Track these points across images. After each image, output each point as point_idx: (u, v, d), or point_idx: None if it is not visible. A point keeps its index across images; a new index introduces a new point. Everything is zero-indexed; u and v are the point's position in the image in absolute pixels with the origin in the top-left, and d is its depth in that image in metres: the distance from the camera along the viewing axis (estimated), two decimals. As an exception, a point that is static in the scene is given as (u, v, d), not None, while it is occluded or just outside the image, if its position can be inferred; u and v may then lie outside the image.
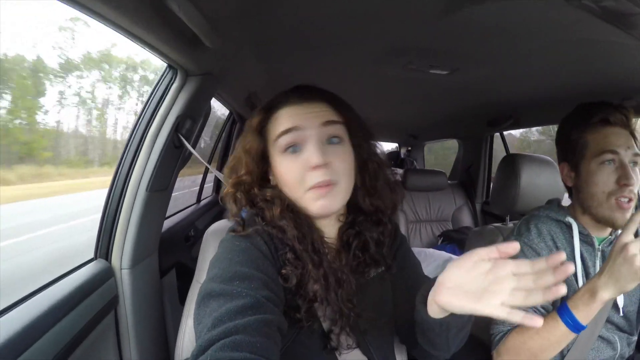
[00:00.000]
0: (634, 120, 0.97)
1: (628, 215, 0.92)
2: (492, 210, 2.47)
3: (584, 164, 0.97)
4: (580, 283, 0.96)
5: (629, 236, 0.78)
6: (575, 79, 1.33)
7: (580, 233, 0.99)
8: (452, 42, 1.10)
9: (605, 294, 0.78)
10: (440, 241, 2.61)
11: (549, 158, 1.40)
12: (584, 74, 1.25)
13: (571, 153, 1.00)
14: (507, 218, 1.45)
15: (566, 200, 1.11)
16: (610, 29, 0.81)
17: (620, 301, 0.99)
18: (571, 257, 0.98)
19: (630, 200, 0.92)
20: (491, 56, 1.20)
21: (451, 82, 1.56)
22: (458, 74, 1.41)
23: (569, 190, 1.06)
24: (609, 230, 1.01)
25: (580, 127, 0.98)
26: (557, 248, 0.98)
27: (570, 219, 1.00)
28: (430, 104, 2.17)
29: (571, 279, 0.96)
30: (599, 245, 0.99)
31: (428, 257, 2.12)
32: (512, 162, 1.37)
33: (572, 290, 0.93)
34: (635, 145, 0.93)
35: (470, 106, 2.07)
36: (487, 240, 1.31)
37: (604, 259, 0.98)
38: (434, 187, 2.76)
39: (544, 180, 1.36)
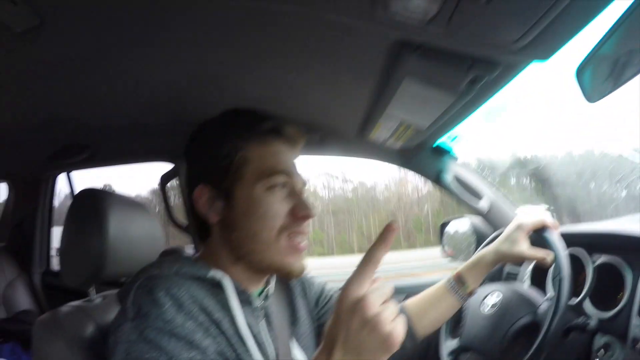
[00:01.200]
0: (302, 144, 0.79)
1: (304, 260, 0.72)
2: (65, 282, 1.85)
3: (242, 188, 0.70)
4: None
5: (360, 286, 0.50)
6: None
7: (236, 291, 0.69)
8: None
9: None
10: None
11: (138, 200, 1.01)
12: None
13: (220, 172, 0.71)
14: (93, 291, 0.93)
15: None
16: None
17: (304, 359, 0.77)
18: (233, 330, 0.66)
19: (305, 234, 0.71)
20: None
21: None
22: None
23: (202, 231, 0.75)
24: (264, 279, 0.77)
25: (239, 136, 0.72)
26: (214, 322, 0.63)
27: (217, 273, 0.68)
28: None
29: None
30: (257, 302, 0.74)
31: None
32: (93, 204, 0.87)
33: None
34: None
35: (25, 127, 1.38)
36: (70, 330, 0.79)
37: (268, 319, 0.75)
38: None
39: (139, 229, 0.94)
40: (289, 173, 0.71)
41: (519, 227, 0.95)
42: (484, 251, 0.98)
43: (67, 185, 2.11)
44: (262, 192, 0.69)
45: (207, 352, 0.58)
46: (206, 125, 0.76)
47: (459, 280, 0.97)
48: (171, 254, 0.75)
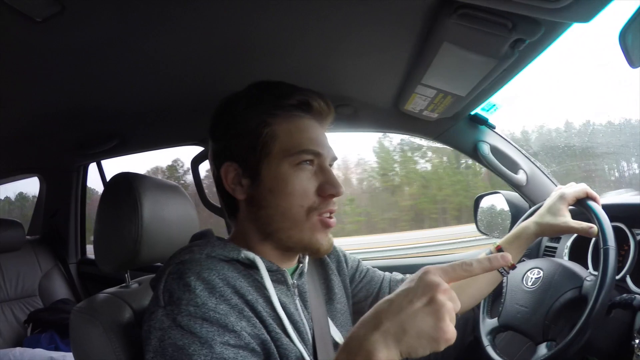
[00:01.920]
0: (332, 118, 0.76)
1: (331, 236, 0.71)
2: (100, 268, 1.92)
3: (269, 165, 0.68)
4: (297, 341, 0.65)
5: (444, 277, 0.48)
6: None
7: (269, 271, 0.68)
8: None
9: (385, 354, 0.45)
10: (29, 331, 1.86)
11: (173, 183, 1.00)
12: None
13: (247, 148, 0.69)
14: (128, 277, 0.92)
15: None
16: None
17: (339, 337, 0.76)
18: (269, 310, 0.65)
19: (333, 214, 0.69)
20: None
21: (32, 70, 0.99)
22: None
23: (231, 209, 0.74)
24: (297, 257, 0.77)
25: (265, 110, 0.69)
26: (248, 303, 0.62)
27: (249, 254, 0.67)
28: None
29: (284, 343, 0.63)
30: (291, 281, 0.73)
31: None
32: (127, 189, 0.86)
33: (295, 356, 0.63)
34: None
35: (53, 118, 1.41)
36: (107, 316, 0.79)
37: (302, 298, 0.74)
38: (6, 247, 1.96)
39: (174, 212, 0.93)
40: (318, 149, 0.69)
41: (561, 198, 0.91)
42: (525, 223, 0.95)
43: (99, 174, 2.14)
44: (290, 169, 0.67)
45: (242, 335, 0.57)
46: (231, 100, 0.73)
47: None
48: (201, 238, 0.73)
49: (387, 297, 0.49)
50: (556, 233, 0.94)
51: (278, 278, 0.70)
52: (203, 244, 0.67)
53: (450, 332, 0.45)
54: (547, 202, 0.94)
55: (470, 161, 1.51)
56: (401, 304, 0.46)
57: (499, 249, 0.93)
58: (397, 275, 0.97)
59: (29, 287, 2.02)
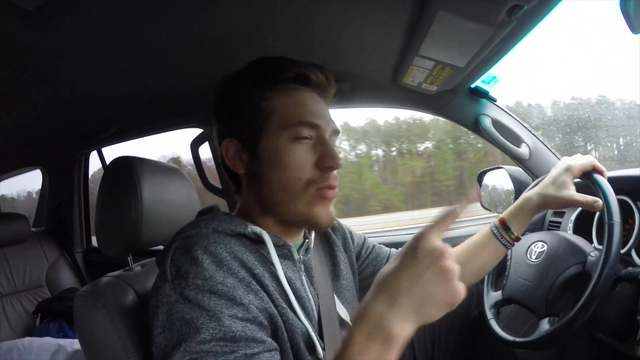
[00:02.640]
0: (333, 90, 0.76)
1: (332, 210, 0.70)
2: (103, 253, 1.96)
3: (268, 139, 0.68)
4: (302, 317, 0.65)
5: (438, 237, 0.49)
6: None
7: (275, 246, 0.68)
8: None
9: (403, 328, 0.46)
10: (38, 320, 1.87)
11: (173, 165, 0.99)
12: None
13: (246, 124, 0.70)
14: (130, 260, 0.93)
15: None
16: None
17: (345, 314, 0.76)
18: (275, 284, 0.65)
19: (333, 187, 0.69)
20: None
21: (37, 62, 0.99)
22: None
23: (236, 185, 0.76)
24: (302, 233, 0.77)
25: (263, 85, 0.69)
26: (255, 277, 0.62)
27: (256, 229, 0.67)
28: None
29: (290, 318, 0.64)
30: (297, 256, 0.73)
31: (26, 352, 1.47)
32: (126, 172, 0.85)
33: (300, 331, 0.64)
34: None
35: (52, 110, 1.41)
36: (110, 299, 0.78)
37: (308, 273, 0.75)
38: (12, 240, 1.96)
39: (174, 194, 0.92)
40: (316, 121, 0.68)
41: (567, 170, 0.89)
42: (529, 194, 0.93)
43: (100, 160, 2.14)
44: (287, 142, 0.67)
45: (250, 309, 0.57)
46: (232, 77, 0.73)
47: (503, 226, 0.93)
48: (207, 213, 0.73)
49: (388, 270, 0.49)
50: (560, 206, 0.92)
51: (284, 253, 0.70)
52: (210, 219, 0.68)
53: (461, 291, 0.46)
54: (552, 174, 0.92)
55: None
56: (411, 278, 0.47)
57: (502, 221, 0.93)
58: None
59: (36, 278, 2.03)
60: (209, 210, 0.74)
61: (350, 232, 0.93)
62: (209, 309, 0.54)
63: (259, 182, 0.69)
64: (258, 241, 0.68)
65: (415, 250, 0.48)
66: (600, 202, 0.82)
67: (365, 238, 0.96)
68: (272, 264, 0.66)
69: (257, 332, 0.56)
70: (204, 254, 0.58)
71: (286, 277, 0.66)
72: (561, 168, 0.90)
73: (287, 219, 0.70)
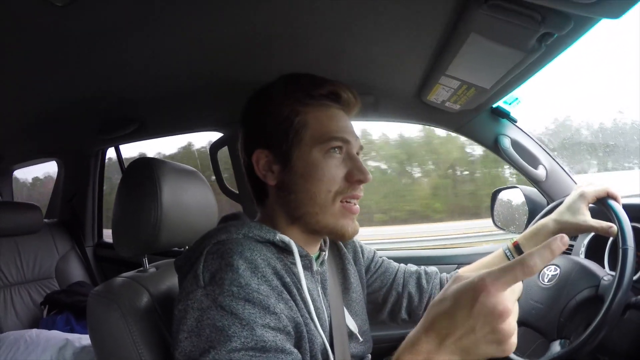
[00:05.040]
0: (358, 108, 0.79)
1: (356, 223, 0.73)
2: (119, 253, 1.96)
3: (301, 152, 0.71)
4: (319, 328, 0.66)
5: (505, 288, 0.43)
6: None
7: (299, 255, 0.70)
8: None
9: None
10: (45, 312, 1.85)
11: (192, 168, 1.00)
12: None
13: (279, 136, 0.72)
14: (145, 261, 0.92)
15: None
16: None
17: (354, 326, 0.78)
18: (298, 295, 0.66)
19: (357, 198, 0.73)
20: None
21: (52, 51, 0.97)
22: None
23: (260, 194, 0.77)
24: (319, 245, 0.79)
25: (298, 100, 0.72)
26: (285, 285, 0.64)
27: (284, 237, 0.69)
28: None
29: (312, 329, 0.65)
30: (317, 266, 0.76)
31: (33, 345, 1.46)
32: (147, 174, 0.86)
33: (318, 342, 0.65)
34: None
35: (73, 103, 1.41)
36: (125, 300, 0.79)
37: (323, 285, 0.77)
38: (24, 229, 1.97)
39: (193, 197, 0.93)
40: (347, 137, 0.72)
41: (581, 196, 0.90)
42: (544, 221, 0.94)
43: (117, 158, 2.16)
44: (320, 155, 0.70)
45: (281, 318, 0.58)
46: (265, 89, 0.76)
47: (516, 250, 0.94)
48: (232, 219, 0.74)
49: (443, 308, 0.45)
50: (575, 232, 0.93)
51: (306, 264, 0.71)
52: (239, 225, 0.69)
53: (513, 348, 0.44)
54: (567, 200, 0.92)
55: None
56: (464, 328, 0.44)
57: (516, 245, 0.93)
58: (411, 267, 0.98)
59: (46, 269, 2.03)
60: (235, 216, 0.75)
61: (361, 246, 0.95)
62: (243, 318, 0.54)
63: (289, 193, 0.71)
64: (283, 250, 0.69)
65: (473, 302, 0.43)
66: (614, 227, 0.83)
67: (375, 252, 0.98)
68: (295, 274, 0.67)
69: (286, 342, 0.57)
70: (239, 260, 0.59)
71: (307, 287, 0.67)
72: (576, 195, 0.92)
73: (315, 228, 0.71)
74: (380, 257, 0.98)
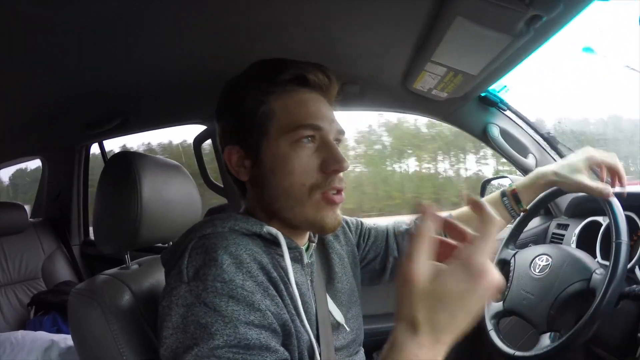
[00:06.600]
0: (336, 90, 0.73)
1: (339, 213, 0.67)
2: (100, 249, 1.94)
3: (268, 144, 0.66)
4: (306, 324, 0.64)
5: (484, 253, 0.41)
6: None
7: (288, 248, 0.66)
8: None
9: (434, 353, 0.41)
10: (32, 313, 1.84)
11: (175, 162, 0.97)
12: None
13: (245, 130, 0.68)
14: (127, 258, 0.90)
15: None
16: None
17: (340, 317, 0.76)
18: (286, 288, 0.64)
19: (340, 191, 0.66)
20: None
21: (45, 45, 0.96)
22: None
23: (241, 190, 0.74)
24: (307, 236, 0.74)
25: (261, 88, 0.67)
26: (272, 280, 0.61)
27: (272, 229, 0.66)
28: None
29: (298, 326, 0.62)
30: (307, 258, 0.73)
31: (18, 346, 1.46)
32: (126, 168, 0.83)
33: (304, 338, 0.63)
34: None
35: (56, 99, 1.39)
36: (106, 298, 0.76)
37: (311, 277, 0.74)
38: (9, 230, 1.95)
39: (175, 192, 0.90)
40: (318, 123, 0.65)
41: (586, 157, 0.89)
42: (543, 170, 0.93)
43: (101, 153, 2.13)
44: (288, 147, 0.65)
45: (266, 315, 0.55)
46: (232, 81, 0.72)
47: (513, 197, 0.94)
48: (219, 212, 0.72)
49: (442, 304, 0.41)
50: (569, 188, 0.92)
51: (295, 256, 0.69)
52: (225, 217, 0.66)
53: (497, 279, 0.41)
54: (571, 157, 0.91)
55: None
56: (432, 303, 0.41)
57: (514, 192, 0.94)
58: (401, 226, 0.97)
59: (32, 269, 2.00)
60: (221, 208, 0.73)
61: (347, 223, 0.92)
62: (226, 315, 0.53)
63: (262, 189, 0.68)
64: (271, 242, 0.66)
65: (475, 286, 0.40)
66: (609, 189, 0.84)
67: (361, 223, 0.96)
68: (283, 267, 0.64)
69: (271, 340, 0.55)
70: (224, 255, 0.57)
71: (295, 281, 0.65)
72: (581, 155, 0.90)
73: (293, 223, 0.67)
74: (367, 227, 0.95)
